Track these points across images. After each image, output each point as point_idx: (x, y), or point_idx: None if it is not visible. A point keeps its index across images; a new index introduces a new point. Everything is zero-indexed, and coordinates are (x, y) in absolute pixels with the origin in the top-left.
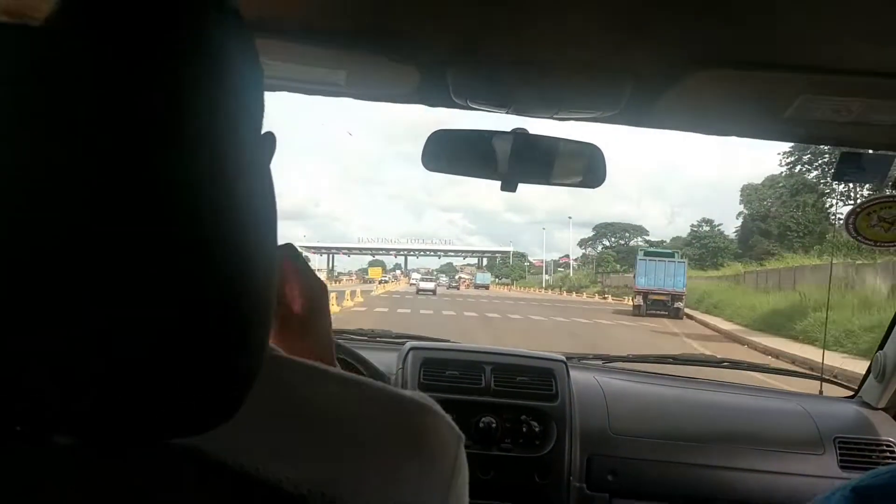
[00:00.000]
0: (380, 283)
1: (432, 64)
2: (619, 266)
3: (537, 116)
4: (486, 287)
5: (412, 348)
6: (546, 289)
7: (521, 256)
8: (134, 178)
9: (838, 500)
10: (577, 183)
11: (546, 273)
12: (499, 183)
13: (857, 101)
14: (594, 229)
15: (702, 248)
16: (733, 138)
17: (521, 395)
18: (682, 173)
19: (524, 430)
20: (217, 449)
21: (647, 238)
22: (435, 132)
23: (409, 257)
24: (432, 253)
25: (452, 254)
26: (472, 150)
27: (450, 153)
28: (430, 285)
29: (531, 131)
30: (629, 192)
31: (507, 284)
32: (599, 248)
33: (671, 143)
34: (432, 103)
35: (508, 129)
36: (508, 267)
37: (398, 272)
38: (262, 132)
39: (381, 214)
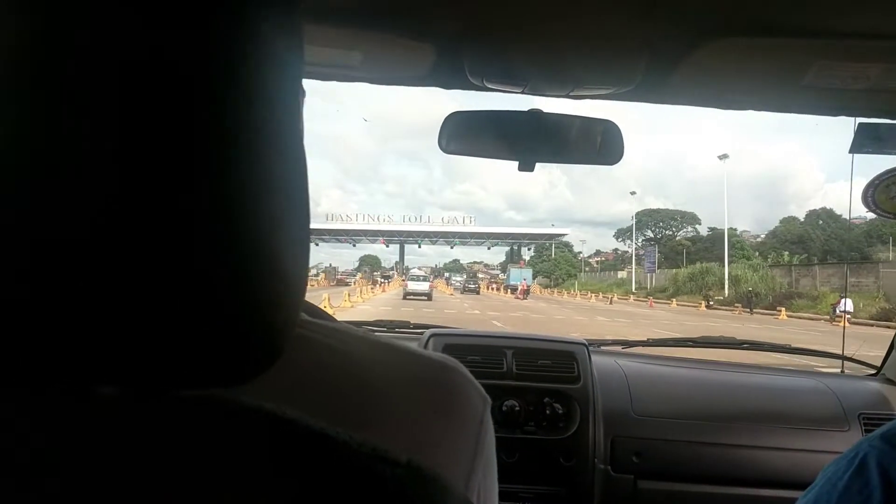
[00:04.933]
0: (381, 282)
1: (448, 42)
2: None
3: (552, 95)
4: (525, 291)
5: (433, 335)
6: (629, 294)
7: (566, 247)
8: (175, 141)
9: (867, 449)
10: (595, 160)
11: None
12: (495, 182)
13: (875, 67)
14: (633, 217)
15: None
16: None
17: (543, 378)
18: (683, 172)
19: (547, 412)
20: (257, 401)
21: (698, 227)
22: (451, 114)
23: (406, 255)
24: (438, 239)
25: (471, 239)
26: (489, 130)
27: (466, 135)
28: (423, 286)
29: (546, 111)
30: (631, 190)
31: (549, 287)
32: (640, 240)
33: (673, 140)
34: (448, 85)
35: (525, 109)
36: (551, 261)
37: (393, 272)
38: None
39: (381, 213)
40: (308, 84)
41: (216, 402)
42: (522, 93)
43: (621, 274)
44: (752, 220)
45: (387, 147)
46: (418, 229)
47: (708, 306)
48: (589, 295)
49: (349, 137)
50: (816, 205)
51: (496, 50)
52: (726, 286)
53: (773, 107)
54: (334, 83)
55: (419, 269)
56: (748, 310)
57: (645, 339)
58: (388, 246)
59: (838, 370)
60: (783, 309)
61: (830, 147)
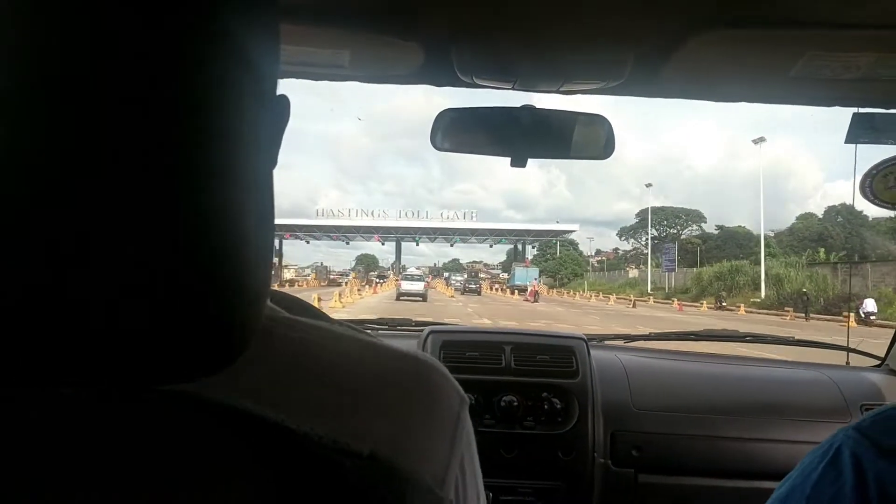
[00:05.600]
0: (376, 282)
1: (435, 41)
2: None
3: (543, 90)
4: (535, 294)
5: (431, 332)
6: (646, 296)
7: (571, 245)
8: (137, 136)
9: (842, 439)
10: (587, 155)
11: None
12: (495, 181)
13: (865, 56)
14: (637, 216)
15: None
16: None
17: (541, 373)
18: (682, 171)
19: (546, 407)
20: (222, 395)
21: (703, 225)
22: (443, 111)
23: (404, 255)
24: (437, 236)
25: (472, 236)
26: (481, 127)
27: (458, 131)
28: (418, 286)
29: (538, 107)
30: (631, 189)
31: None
32: (644, 238)
33: (672, 139)
34: (438, 82)
35: (517, 106)
36: (556, 260)
37: (390, 271)
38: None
39: (376, 208)
40: (307, 84)
41: (181, 397)
42: (513, 88)
43: (632, 273)
44: (754, 220)
45: (385, 146)
46: (416, 225)
47: (719, 307)
48: (606, 296)
49: (347, 137)
50: (815, 204)
51: (484, 47)
52: (762, 287)
53: (765, 98)
54: (333, 84)
55: (417, 268)
56: (802, 314)
57: (647, 332)
58: (383, 244)
59: (843, 363)
60: (849, 314)
61: (829, 146)
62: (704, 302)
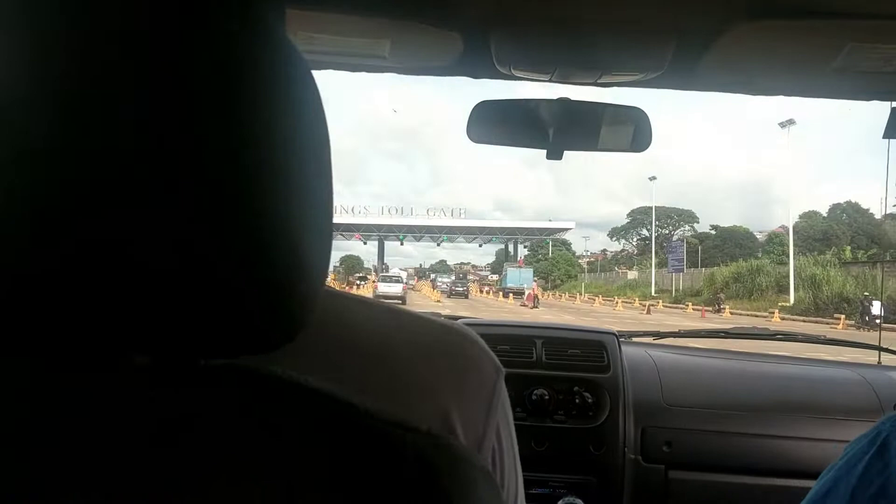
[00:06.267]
0: (357, 284)
1: (475, 30)
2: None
3: (580, 82)
4: (535, 298)
5: (462, 325)
6: (649, 299)
7: (563, 245)
8: (192, 126)
9: (889, 429)
10: (624, 147)
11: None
12: (482, 183)
13: None
14: (628, 216)
15: None
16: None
17: (572, 368)
18: (668, 174)
19: (577, 401)
20: (282, 369)
21: (696, 225)
22: (480, 103)
23: (389, 256)
24: (423, 235)
25: (459, 235)
26: (518, 119)
27: (494, 124)
28: (395, 288)
29: (574, 100)
30: (617, 192)
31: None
32: (635, 239)
33: (659, 142)
34: (476, 74)
35: (551, 98)
36: (548, 260)
37: (372, 273)
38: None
39: (356, 204)
40: None
41: (244, 370)
42: (550, 80)
43: (631, 274)
44: (743, 221)
45: (373, 148)
46: (400, 223)
47: (717, 310)
48: (607, 299)
49: (333, 138)
50: (803, 206)
51: (523, 37)
52: (791, 290)
53: (803, 91)
54: (324, 82)
55: (402, 269)
56: (861, 322)
57: (677, 329)
58: (365, 243)
59: (875, 362)
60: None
61: (817, 149)
62: (727, 307)
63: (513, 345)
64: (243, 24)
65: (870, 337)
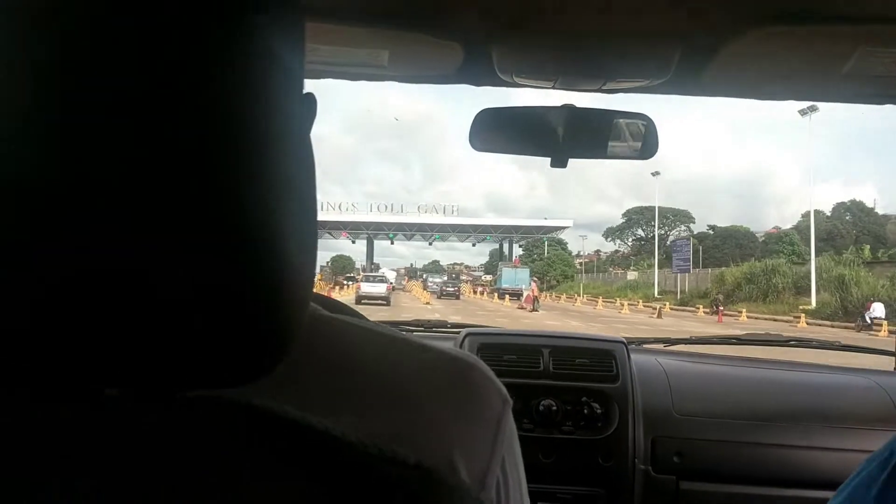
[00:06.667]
0: (345, 285)
1: (476, 40)
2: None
3: (584, 89)
4: (534, 300)
5: (468, 334)
6: (653, 301)
7: (559, 245)
8: (172, 142)
9: None
10: (630, 155)
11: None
12: (475, 183)
13: None
14: (624, 216)
15: None
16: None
17: (580, 378)
18: (662, 175)
19: (585, 412)
20: (267, 401)
21: (692, 225)
22: (482, 111)
23: (381, 256)
24: (415, 233)
25: (452, 233)
26: (521, 127)
27: (498, 132)
28: (379, 289)
29: (578, 107)
30: (610, 193)
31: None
32: (630, 239)
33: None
34: (478, 82)
35: (555, 105)
36: (544, 261)
37: (360, 273)
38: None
39: (344, 200)
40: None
41: (224, 402)
42: (553, 87)
43: (631, 275)
44: (737, 221)
45: (367, 147)
46: (390, 221)
47: (716, 312)
48: (609, 301)
49: (327, 136)
50: (795, 207)
51: (525, 46)
52: (813, 292)
53: (813, 96)
54: (317, 82)
55: (390, 269)
56: (861, 325)
57: (688, 336)
58: (354, 242)
59: (891, 369)
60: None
61: (808, 149)
62: (744, 310)
63: (520, 354)
64: (225, 31)
65: (877, 341)
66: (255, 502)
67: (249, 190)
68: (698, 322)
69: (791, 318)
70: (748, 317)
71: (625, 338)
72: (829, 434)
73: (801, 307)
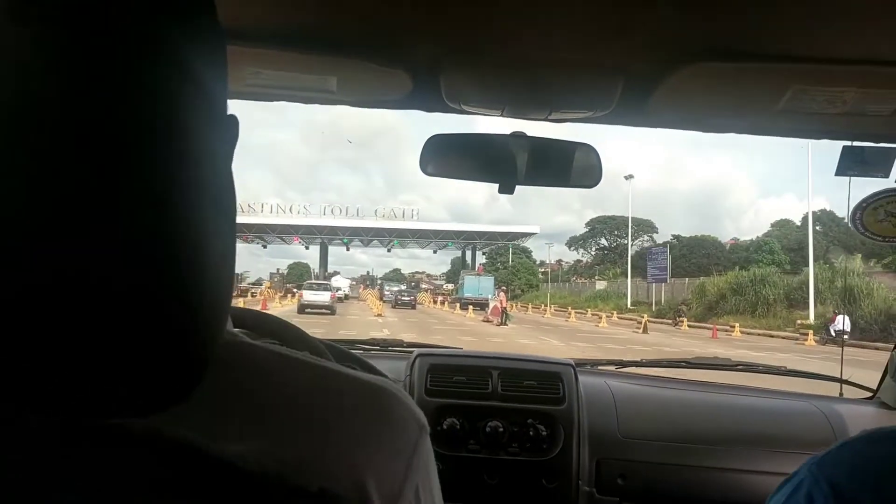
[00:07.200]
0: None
1: (423, 68)
2: None
3: (531, 118)
4: (502, 313)
5: (419, 355)
6: (627, 312)
7: (524, 253)
8: (88, 165)
9: (804, 476)
10: (574, 183)
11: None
12: (438, 192)
13: (851, 91)
14: (587, 225)
15: None
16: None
17: (527, 399)
18: (621, 186)
19: (531, 433)
20: (175, 430)
21: (654, 235)
22: (432, 137)
23: (340, 264)
24: (372, 239)
25: (412, 238)
26: (471, 153)
27: (447, 157)
28: (323, 297)
29: (528, 133)
30: (571, 204)
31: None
32: (593, 249)
33: (611, 154)
34: (427, 108)
35: (506, 132)
36: (508, 269)
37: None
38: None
39: (299, 208)
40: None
41: (136, 431)
42: (501, 115)
43: (600, 284)
44: (693, 232)
45: (326, 156)
46: (344, 225)
47: (676, 323)
48: (581, 312)
49: (287, 146)
50: (749, 219)
51: (471, 75)
52: (811, 304)
53: (752, 130)
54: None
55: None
56: (825, 337)
57: (639, 359)
58: (307, 247)
59: (836, 394)
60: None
61: (763, 164)
62: (737, 325)
63: (469, 375)
64: (147, 59)
65: (836, 353)
66: None
67: (163, 210)
68: (689, 338)
69: (798, 336)
70: (741, 332)
71: (575, 360)
72: (770, 458)
73: (798, 322)
